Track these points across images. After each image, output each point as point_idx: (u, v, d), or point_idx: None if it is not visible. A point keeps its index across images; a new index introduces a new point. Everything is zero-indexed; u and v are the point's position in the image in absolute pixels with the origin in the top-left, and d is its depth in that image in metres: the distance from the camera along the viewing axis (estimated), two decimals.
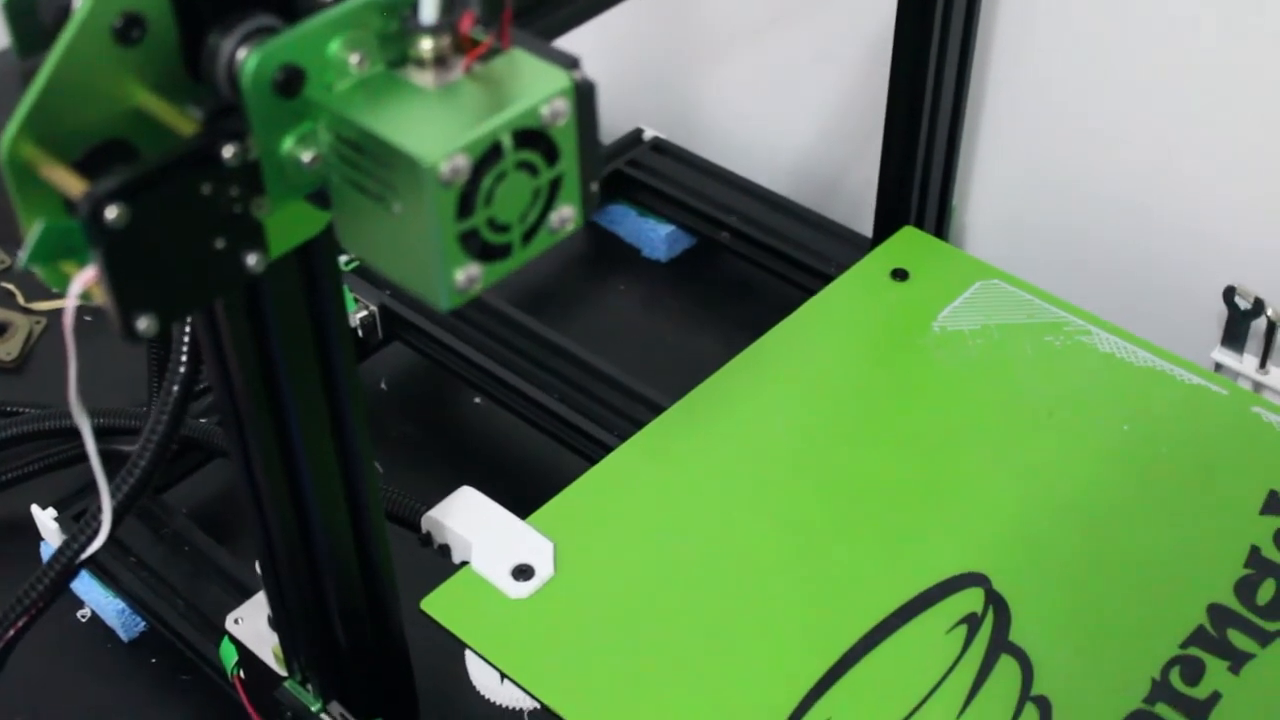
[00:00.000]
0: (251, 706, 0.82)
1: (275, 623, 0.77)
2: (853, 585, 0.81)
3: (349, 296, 1.09)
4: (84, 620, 0.99)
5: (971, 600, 0.80)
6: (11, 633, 0.75)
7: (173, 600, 0.94)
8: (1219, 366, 1.02)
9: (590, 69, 0.51)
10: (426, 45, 0.49)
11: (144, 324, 0.48)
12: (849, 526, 0.85)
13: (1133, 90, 1.02)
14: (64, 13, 0.47)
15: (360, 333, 1.09)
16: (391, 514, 0.88)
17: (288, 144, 0.49)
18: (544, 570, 0.81)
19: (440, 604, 0.80)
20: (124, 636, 0.97)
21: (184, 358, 0.67)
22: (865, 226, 1.13)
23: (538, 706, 0.77)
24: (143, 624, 0.97)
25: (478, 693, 0.80)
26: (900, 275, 1.01)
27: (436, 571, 0.82)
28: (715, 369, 0.95)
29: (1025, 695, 0.76)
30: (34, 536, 0.99)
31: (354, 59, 0.49)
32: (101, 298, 0.47)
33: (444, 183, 0.47)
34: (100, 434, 0.99)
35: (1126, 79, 1.02)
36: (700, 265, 1.26)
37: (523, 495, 0.87)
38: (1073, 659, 0.78)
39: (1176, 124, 1.01)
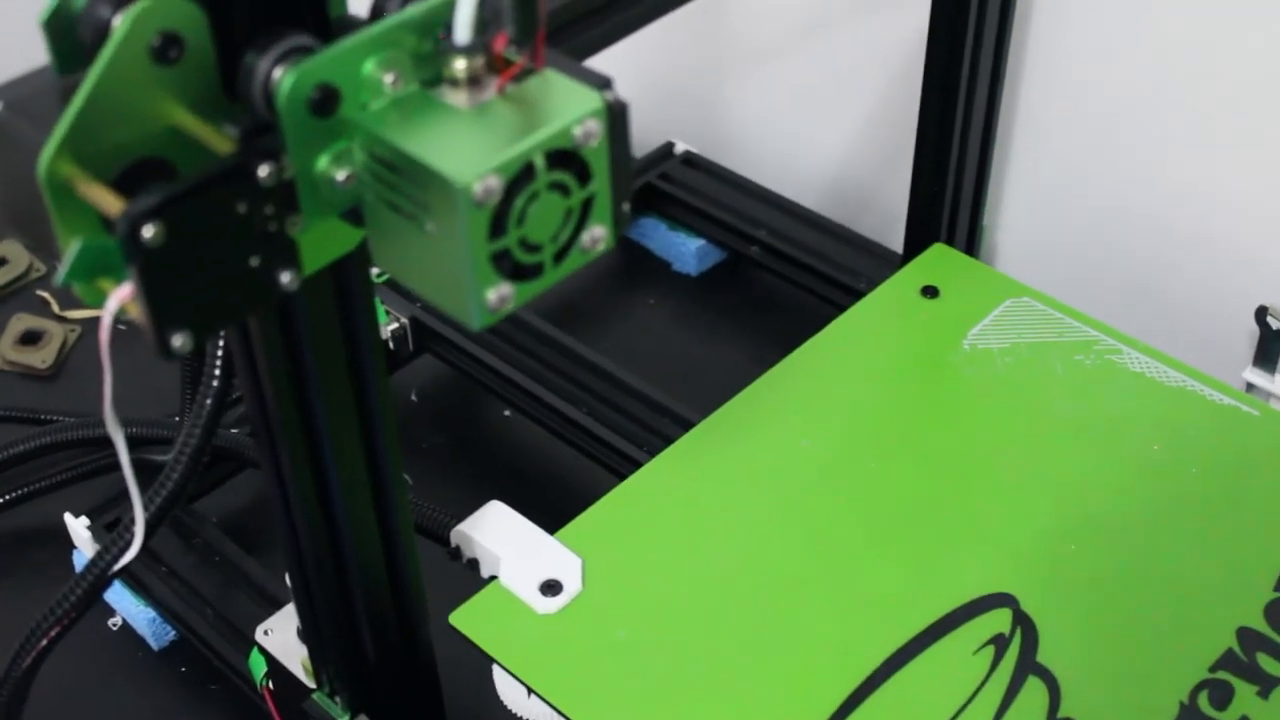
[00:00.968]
0: (280, 718, 0.82)
1: (304, 635, 0.77)
2: (880, 604, 0.81)
3: (380, 309, 1.09)
4: (115, 629, 0.99)
5: (999, 621, 0.80)
6: (44, 642, 0.75)
7: (203, 610, 0.94)
8: (1251, 387, 1.01)
9: (622, 83, 0.51)
10: (460, 65, 0.50)
11: (179, 341, 0.48)
12: (877, 544, 0.85)
13: (1166, 108, 1.02)
14: (103, 31, 0.48)
15: (391, 345, 1.10)
16: (421, 527, 0.88)
17: (322, 163, 0.50)
18: (572, 586, 0.81)
19: (468, 618, 0.80)
20: (154, 645, 0.98)
21: (217, 370, 0.68)
22: (896, 243, 1.13)
23: None
24: (173, 633, 0.98)
25: (505, 708, 0.80)
26: (930, 292, 1.01)
27: (465, 585, 0.82)
28: (745, 384, 0.95)
29: (1052, 717, 0.76)
30: (67, 544, 1.00)
31: (389, 79, 0.49)
32: (137, 314, 0.47)
33: (477, 203, 0.47)
34: (133, 444, 0.99)
35: (1159, 97, 1.02)
36: (730, 279, 1.26)
37: (551, 509, 0.87)
38: (1100, 681, 0.77)
39: (1210, 143, 1.01)
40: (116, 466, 1.04)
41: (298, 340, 0.60)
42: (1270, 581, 0.82)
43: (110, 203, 0.46)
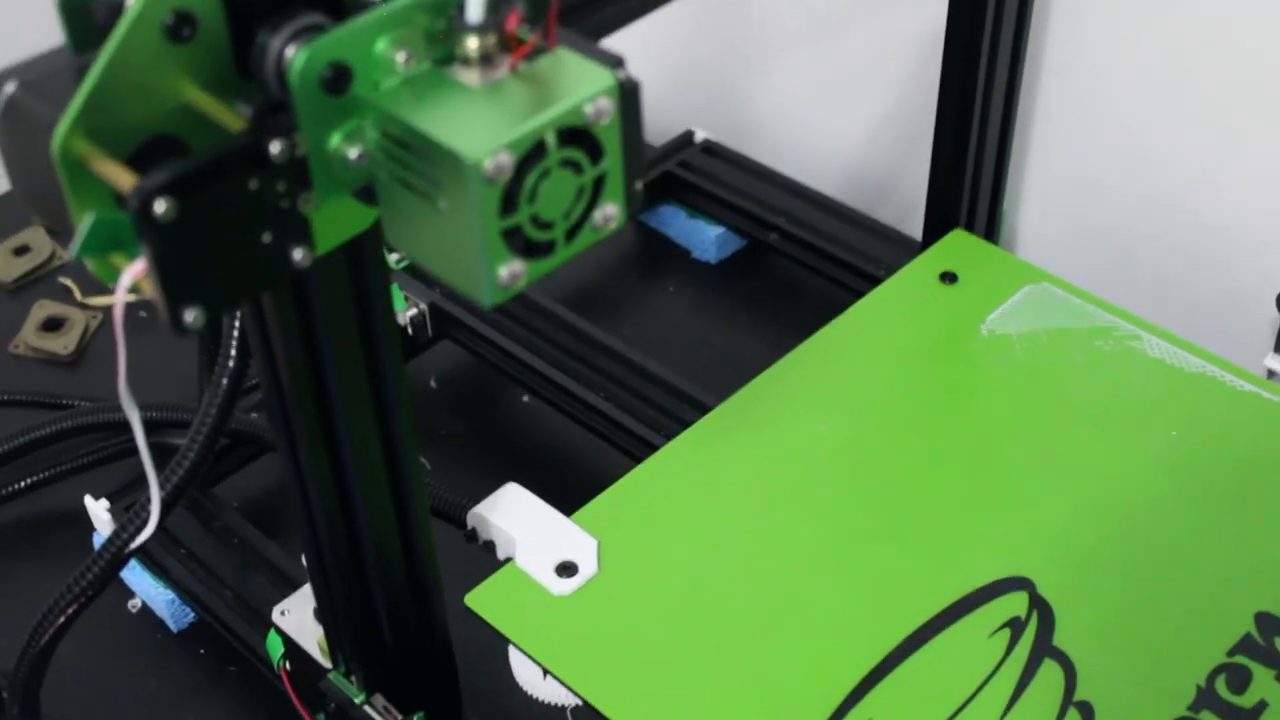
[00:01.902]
0: (297, 698, 0.83)
1: (320, 615, 0.78)
2: (896, 587, 0.81)
3: (399, 295, 1.09)
4: (134, 611, 1.00)
5: (1015, 604, 0.80)
6: (61, 620, 0.76)
7: (221, 592, 0.95)
8: (1272, 374, 1.01)
9: (643, 71, 0.51)
10: (472, 44, 0.50)
11: (191, 316, 0.48)
12: (894, 528, 0.85)
13: (1186, 93, 1.02)
14: (116, 10, 0.48)
15: (410, 330, 1.10)
16: (437, 509, 0.88)
17: (335, 140, 0.50)
18: (588, 567, 0.81)
19: (484, 599, 0.80)
20: (173, 627, 0.98)
21: (233, 352, 0.68)
22: (915, 229, 1.13)
23: (580, 703, 0.77)
24: (192, 615, 0.98)
25: (521, 689, 0.80)
26: (949, 278, 1.01)
27: (482, 568, 0.82)
28: (763, 370, 0.95)
29: (1068, 700, 0.76)
30: (87, 527, 1.00)
31: (401, 57, 0.49)
32: (150, 290, 0.48)
33: (488, 179, 0.47)
34: (152, 427, 1.00)
35: (1180, 82, 1.01)
36: (750, 267, 1.26)
37: (569, 493, 0.87)
38: (1117, 665, 0.77)
39: (1231, 128, 1.01)
40: (136, 451, 1.04)
41: (312, 320, 0.60)
42: None
43: (123, 178, 0.46)
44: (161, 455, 0.98)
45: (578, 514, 0.85)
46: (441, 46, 0.51)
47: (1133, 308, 0.98)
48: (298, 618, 0.82)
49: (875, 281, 1.04)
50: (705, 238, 1.25)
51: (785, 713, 0.75)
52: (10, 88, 0.49)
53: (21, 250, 1.29)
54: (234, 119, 0.49)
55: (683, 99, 1.36)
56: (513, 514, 0.84)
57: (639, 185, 0.53)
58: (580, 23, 0.69)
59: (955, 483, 0.87)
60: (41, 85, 0.49)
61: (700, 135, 1.29)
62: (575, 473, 1.07)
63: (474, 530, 0.85)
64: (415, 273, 1.12)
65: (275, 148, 0.48)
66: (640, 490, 0.87)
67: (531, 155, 0.48)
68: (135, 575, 0.98)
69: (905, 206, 1.23)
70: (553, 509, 0.84)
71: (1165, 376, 0.93)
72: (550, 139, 0.49)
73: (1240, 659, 0.77)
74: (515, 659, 0.80)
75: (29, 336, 1.21)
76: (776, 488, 0.87)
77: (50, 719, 0.87)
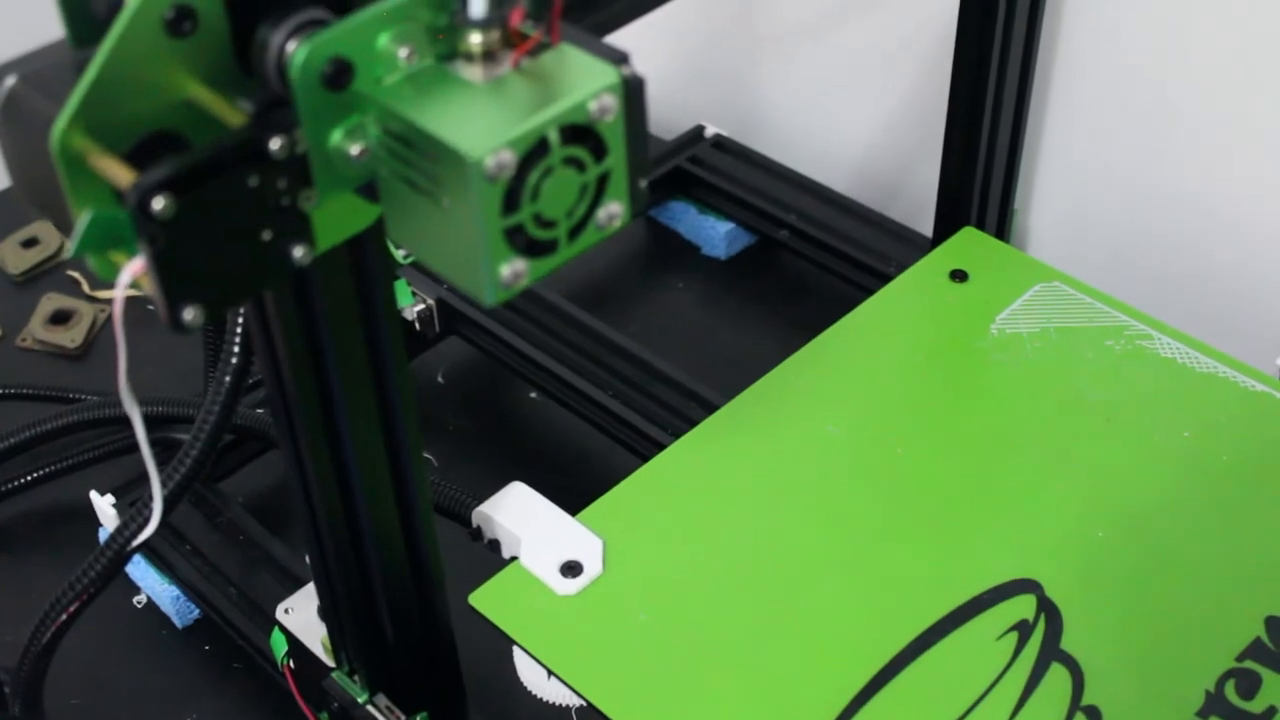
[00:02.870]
0: (300, 696, 0.82)
1: (324, 613, 0.77)
2: (904, 588, 0.81)
3: (406, 290, 1.09)
4: (140, 606, 1.00)
5: (1023, 607, 0.79)
6: (64, 617, 0.75)
7: (226, 589, 0.94)
8: None
9: (652, 65, 0.51)
10: (475, 39, 0.49)
11: (190, 315, 0.48)
12: (902, 528, 0.84)
13: (1200, 93, 1.01)
14: (116, 5, 0.47)
15: (418, 326, 1.10)
16: (443, 508, 0.88)
17: (336, 137, 0.49)
18: (593, 567, 0.81)
19: (488, 599, 0.80)
20: (178, 623, 0.98)
21: (236, 348, 0.68)
22: (926, 227, 1.12)
23: (584, 704, 0.77)
24: (197, 611, 0.98)
25: (525, 689, 0.80)
26: (959, 276, 1.00)
27: (488, 567, 0.82)
28: (772, 368, 0.94)
29: (1076, 705, 0.75)
30: (93, 522, 1.00)
31: (403, 53, 0.49)
32: (149, 288, 0.47)
33: (489, 178, 0.47)
34: (158, 422, 1.00)
35: (1194, 81, 1.01)
36: (760, 263, 1.25)
37: (577, 492, 0.87)
38: (1125, 669, 0.77)
39: (1245, 127, 1.00)
40: None
41: (314, 317, 0.60)
42: None
43: (121, 175, 0.46)
44: (166, 450, 0.98)
45: (583, 513, 0.84)
46: (444, 42, 0.50)
47: (1144, 306, 0.97)
48: (302, 616, 0.81)
49: (886, 279, 1.03)
50: (715, 234, 1.25)
51: (791, 715, 0.75)
52: (10, 82, 0.49)
53: (30, 243, 1.29)
54: (235, 115, 0.48)
55: (693, 94, 1.36)
56: (518, 513, 0.83)
57: (643, 183, 0.52)
58: (586, 18, 0.69)
59: (964, 483, 0.86)
60: (41, 80, 0.49)
61: (711, 130, 1.29)
62: (582, 471, 1.07)
63: (479, 529, 0.85)
64: (423, 268, 1.12)
65: (275, 144, 0.47)
66: (646, 489, 0.87)
67: (534, 153, 0.48)
68: (141, 571, 0.98)
69: (916, 204, 1.22)
70: (558, 508, 0.83)
71: (1176, 376, 0.92)
72: (553, 136, 0.48)
73: (1250, 664, 0.77)
74: (520, 659, 0.79)
75: (37, 329, 1.20)
76: (783, 487, 0.87)
77: (53, 715, 0.87)
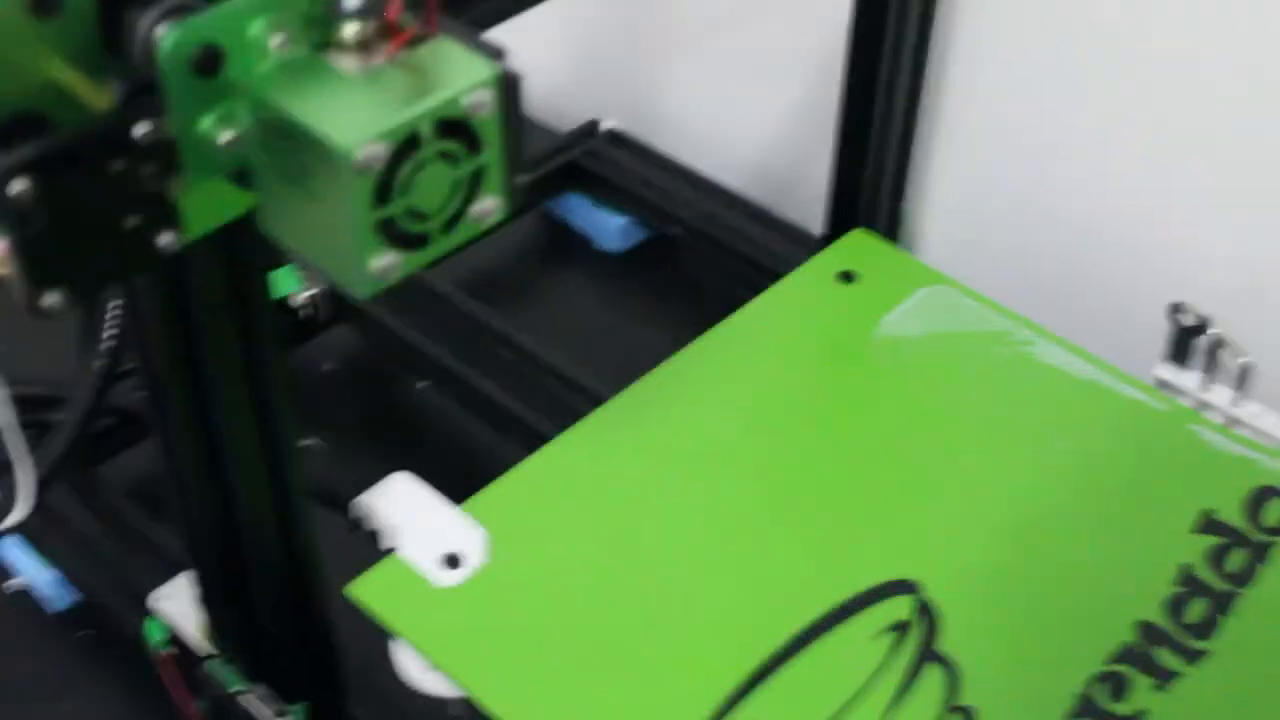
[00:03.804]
0: (176, 684, 0.81)
1: (200, 600, 0.76)
2: (783, 587, 0.81)
3: (294, 277, 1.08)
4: (9, 593, 0.97)
5: (900, 607, 0.80)
6: None
7: (103, 574, 0.93)
8: (1162, 383, 1.01)
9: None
10: (351, 30, 0.49)
11: (51, 300, 0.47)
12: (783, 527, 0.84)
13: (1085, 103, 1.02)
14: None
15: (305, 313, 1.08)
16: (324, 498, 0.87)
17: (206, 124, 0.49)
18: (474, 559, 0.80)
19: (367, 589, 0.79)
20: (55, 607, 0.96)
21: (111, 327, 0.67)
22: (819, 226, 1.13)
23: (463, 695, 0.76)
24: (74, 597, 0.96)
25: (405, 682, 0.79)
26: (848, 277, 1.00)
27: (374, 558, 0.81)
28: (659, 364, 0.94)
29: (950, 705, 0.76)
30: None
31: (276, 40, 0.48)
32: (8, 271, 0.46)
33: (359, 170, 0.46)
34: (36, 405, 0.98)
35: (1079, 92, 1.02)
36: (653, 259, 1.25)
37: (464, 484, 0.86)
38: (1000, 671, 0.77)
39: (1127, 139, 1.01)
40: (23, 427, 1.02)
41: (187, 304, 0.59)
42: (1170, 576, 0.82)
43: None
44: (41, 434, 0.96)
45: (467, 504, 0.84)
46: (320, 31, 0.50)
47: (1029, 313, 0.98)
48: (178, 603, 0.80)
49: (777, 277, 1.04)
50: (609, 228, 1.25)
51: (667, 711, 0.75)
52: None
53: None
54: (100, 98, 0.48)
55: (590, 87, 1.35)
56: (398, 503, 0.82)
57: (521, 179, 0.52)
58: (468, 11, 0.68)
59: (846, 484, 0.87)
60: None
61: (606, 124, 1.28)
62: (470, 462, 1.06)
63: (358, 520, 0.84)
64: None
65: (141, 130, 0.47)
66: (531, 481, 0.86)
67: (406, 146, 0.48)
68: (16, 554, 0.96)
69: (811, 203, 1.22)
70: (440, 498, 0.83)
71: (1057, 383, 0.93)
72: (426, 130, 0.48)
73: (1121, 667, 0.78)
74: (398, 652, 0.79)
75: None
76: (667, 483, 0.87)
77: None
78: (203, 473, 0.66)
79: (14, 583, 0.98)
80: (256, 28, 0.48)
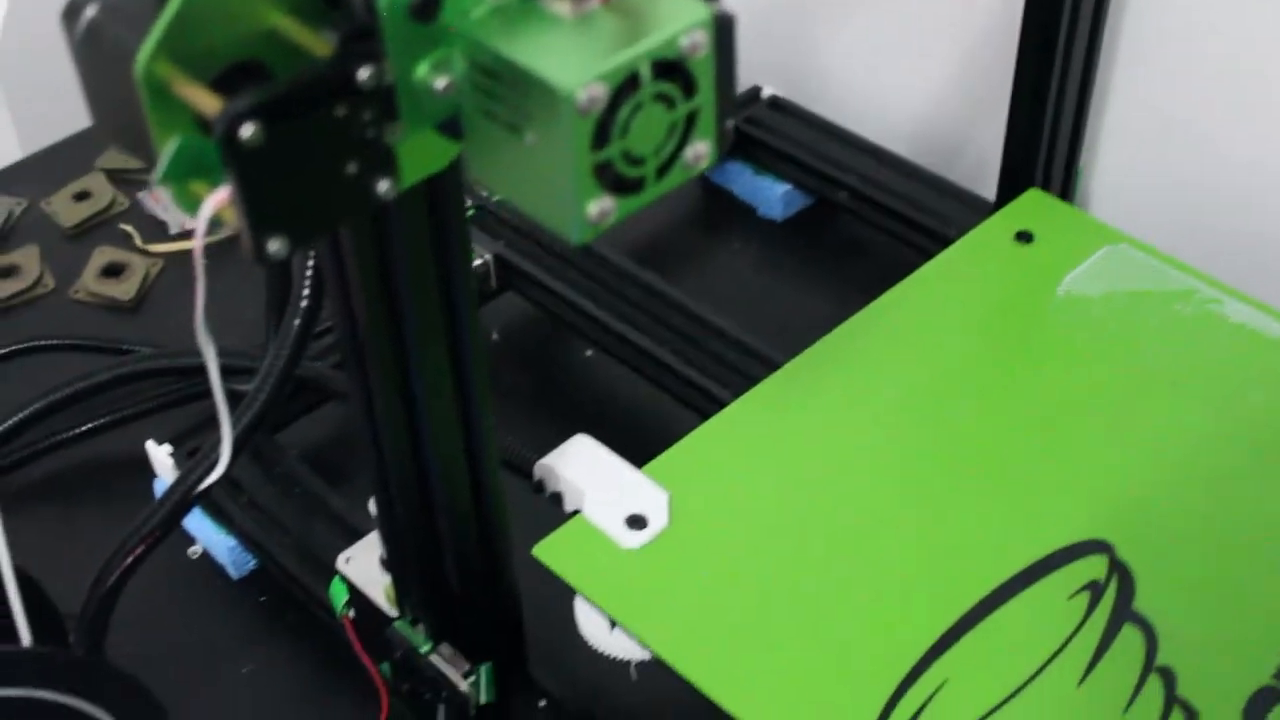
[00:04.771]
0: (360, 646, 0.82)
1: (388, 563, 0.77)
2: (972, 548, 0.80)
3: None
4: (194, 558, 0.99)
5: (1094, 567, 0.78)
6: (129, 560, 0.75)
7: (283, 539, 0.94)
8: None
9: None
10: None
11: (275, 246, 0.47)
12: (968, 489, 0.83)
13: (1274, 49, 0.99)
14: None
15: (480, 280, 1.09)
16: (505, 460, 0.87)
17: (422, 70, 0.49)
18: (658, 520, 0.80)
19: (552, 550, 0.79)
20: (234, 574, 0.98)
21: (305, 291, 0.67)
22: (988, 190, 1.11)
23: (645, 658, 0.76)
24: (252, 563, 0.97)
25: (585, 644, 0.79)
26: (1025, 238, 0.99)
27: (551, 521, 0.81)
28: (829, 330, 0.93)
29: (1149, 665, 0.74)
30: (147, 473, 1.00)
31: None
32: (233, 218, 0.46)
33: (581, 111, 0.46)
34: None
35: (1267, 38, 0.99)
36: (816, 225, 1.24)
37: (635, 449, 0.86)
38: (1198, 631, 0.76)
39: None
40: (196, 397, 1.04)
41: (391, 258, 0.59)
42: None
43: (208, 102, 0.45)
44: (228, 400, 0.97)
45: (647, 467, 0.83)
46: None
47: (1213, 270, 0.95)
48: (363, 565, 0.81)
49: (946, 242, 1.02)
50: (771, 195, 1.23)
51: (858, 671, 0.74)
52: (90, 12, 0.48)
53: (82, 196, 1.28)
54: (320, 45, 0.48)
55: (750, 54, 1.34)
56: (581, 466, 0.82)
57: (730, 124, 0.52)
58: None
59: (1031, 445, 0.85)
60: (122, 8, 0.48)
61: (768, 91, 1.27)
62: (638, 427, 1.06)
63: (541, 482, 0.84)
64: (480, 223, 1.11)
65: (364, 74, 0.47)
66: (711, 445, 0.86)
67: (625, 87, 0.47)
68: (196, 522, 0.98)
69: (978, 166, 1.20)
70: (623, 460, 0.83)
71: (1245, 341, 0.91)
72: (644, 71, 0.47)
73: None
74: (581, 613, 0.79)
75: (89, 282, 1.20)
76: (847, 445, 0.86)
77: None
78: (400, 432, 0.66)
79: (194, 549, 1.00)
80: None
